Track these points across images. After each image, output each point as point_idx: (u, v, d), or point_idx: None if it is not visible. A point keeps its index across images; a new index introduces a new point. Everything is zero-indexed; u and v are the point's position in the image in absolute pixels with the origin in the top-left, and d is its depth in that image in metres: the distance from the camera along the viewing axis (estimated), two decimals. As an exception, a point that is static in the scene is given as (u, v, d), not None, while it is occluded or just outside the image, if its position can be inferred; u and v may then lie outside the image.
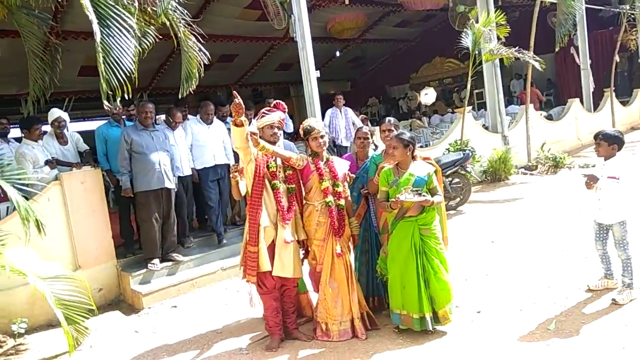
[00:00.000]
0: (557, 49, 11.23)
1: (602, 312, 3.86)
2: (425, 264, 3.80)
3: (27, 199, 4.67)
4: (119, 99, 4.67)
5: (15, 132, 7.37)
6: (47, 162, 5.59)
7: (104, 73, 4.50)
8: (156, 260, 5.67)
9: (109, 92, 4.53)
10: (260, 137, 3.79)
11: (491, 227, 6.72)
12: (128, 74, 4.62)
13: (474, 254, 5.70)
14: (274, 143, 3.93)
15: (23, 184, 4.58)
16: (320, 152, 4.03)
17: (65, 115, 6.07)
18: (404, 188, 3.76)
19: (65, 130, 6.16)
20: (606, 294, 4.13)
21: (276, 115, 4.03)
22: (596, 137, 4.10)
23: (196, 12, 10.12)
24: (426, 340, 3.77)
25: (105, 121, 6.28)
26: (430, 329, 3.78)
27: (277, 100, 4.19)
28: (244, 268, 3.90)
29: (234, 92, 3.76)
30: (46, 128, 6.14)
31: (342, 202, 4.02)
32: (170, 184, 5.74)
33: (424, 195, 3.71)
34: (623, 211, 4.02)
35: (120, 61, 4.62)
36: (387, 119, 4.54)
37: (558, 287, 4.43)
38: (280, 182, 3.94)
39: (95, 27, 4.45)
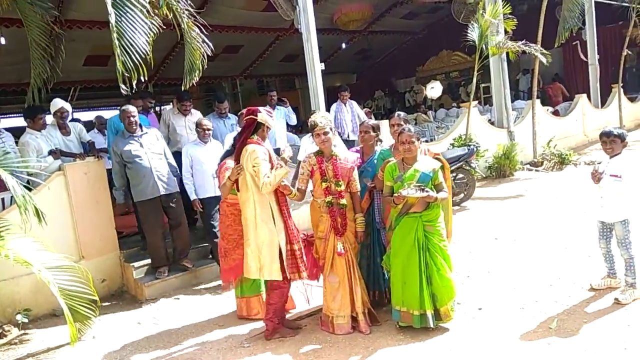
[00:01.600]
0: (557, 45, 11.09)
1: (604, 312, 3.83)
2: (428, 261, 3.80)
3: (29, 189, 4.66)
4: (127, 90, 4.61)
5: (6, 122, 7.30)
6: (50, 152, 5.59)
7: (119, 55, 4.43)
8: (164, 269, 5.55)
9: (125, 75, 4.45)
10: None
11: (494, 224, 6.69)
12: (143, 56, 4.56)
13: (476, 250, 5.68)
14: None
15: (25, 174, 4.57)
16: (323, 148, 4.01)
17: (68, 106, 6.04)
18: (407, 183, 3.75)
19: (67, 121, 6.13)
20: (609, 293, 4.11)
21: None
22: (607, 135, 3.98)
23: (201, 2, 10.05)
24: (427, 337, 3.77)
25: (117, 112, 6.23)
26: (431, 325, 3.77)
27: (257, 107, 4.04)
28: (292, 270, 3.88)
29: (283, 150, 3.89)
30: (49, 119, 6.12)
31: (343, 201, 3.99)
32: (168, 189, 5.44)
33: (426, 191, 3.69)
34: (625, 210, 3.97)
35: (135, 42, 4.55)
36: (397, 113, 4.51)
37: (561, 286, 4.41)
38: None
39: (110, 8, 4.41)
